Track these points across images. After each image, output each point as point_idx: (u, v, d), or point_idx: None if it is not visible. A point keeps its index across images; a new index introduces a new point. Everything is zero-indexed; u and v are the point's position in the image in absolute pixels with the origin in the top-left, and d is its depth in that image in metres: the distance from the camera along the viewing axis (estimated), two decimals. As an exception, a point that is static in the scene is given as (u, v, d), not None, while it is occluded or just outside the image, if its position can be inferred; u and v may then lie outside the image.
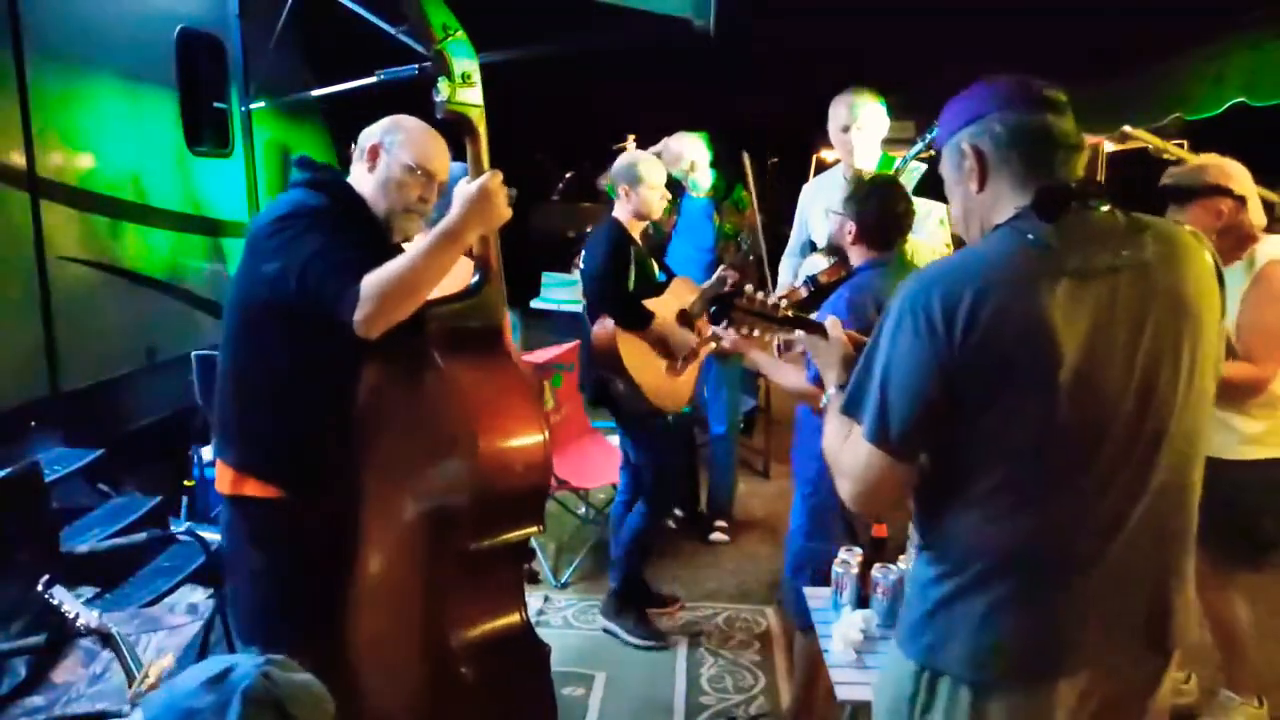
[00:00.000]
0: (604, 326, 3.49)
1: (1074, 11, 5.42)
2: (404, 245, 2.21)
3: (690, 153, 4.49)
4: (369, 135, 2.23)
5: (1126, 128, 4.34)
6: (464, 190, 2.09)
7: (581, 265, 3.68)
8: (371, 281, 1.92)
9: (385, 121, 2.24)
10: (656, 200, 3.58)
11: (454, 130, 2.18)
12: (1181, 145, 4.91)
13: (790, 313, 1.89)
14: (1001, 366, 1.33)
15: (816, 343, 1.84)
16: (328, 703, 1.19)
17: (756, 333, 1.91)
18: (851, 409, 1.47)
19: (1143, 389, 1.36)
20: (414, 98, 2.22)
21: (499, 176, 2.10)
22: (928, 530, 1.50)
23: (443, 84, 2.06)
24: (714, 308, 1.92)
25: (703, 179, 4.54)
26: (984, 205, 1.47)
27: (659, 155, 4.68)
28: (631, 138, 5.84)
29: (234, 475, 2.20)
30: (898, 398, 1.39)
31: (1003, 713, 1.41)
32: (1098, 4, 5.37)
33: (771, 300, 1.90)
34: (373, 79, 2.36)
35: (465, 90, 2.09)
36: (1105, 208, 1.41)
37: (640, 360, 3.50)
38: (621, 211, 3.60)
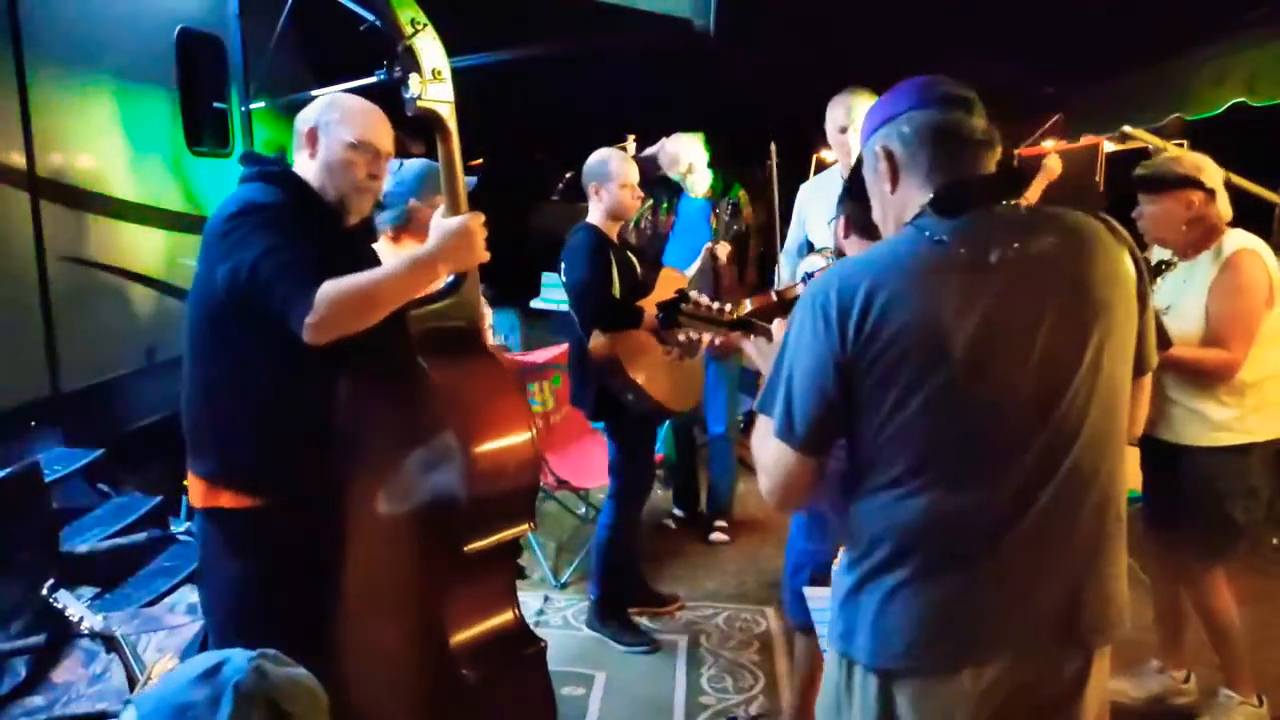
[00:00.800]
0: (599, 338, 3.40)
1: (1074, 11, 5.41)
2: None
3: (687, 154, 4.49)
4: (304, 120, 2.13)
5: (1126, 128, 4.35)
6: (442, 224, 2.04)
7: (563, 278, 3.54)
8: (329, 289, 1.86)
9: (318, 103, 2.15)
10: (629, 198, 3.46)
11: (427, 129, 2.11)
12: (1181, 145, 4.92)
13: (735, 316, 1.91)
14: (893, 358, 1.35)
15: (761, 344, 1.85)
16: (321, 696, 1.19)
17: (708, 336, 1.93)
18: (763, 406, 1.49)
19: (1044, 377, 1.37)
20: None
21: (480, 218, 2.06)
22: (848, 520, 1.51)
23: (413, 80, 2.00)
24: (661, 314, 1.93)
25: (700, 180, 4.54)
26: (897, 205, 1.49)
27: (655, 156, 4.70)
28: (632, 138, 5.85)
29: (206, 487, 2.11)
30: (799, 394, 1.41)
31: (907, 701, 1.42)
32: (1098, 4, 5.36)
33: (717, 305, 1.92)
34: (372, 79, 2.34)
35: (436, 86, 2.03)
36: (1010, 202, 1.43)
37: (642, 362, 3.42)
38: (595, 214, 3.49)
